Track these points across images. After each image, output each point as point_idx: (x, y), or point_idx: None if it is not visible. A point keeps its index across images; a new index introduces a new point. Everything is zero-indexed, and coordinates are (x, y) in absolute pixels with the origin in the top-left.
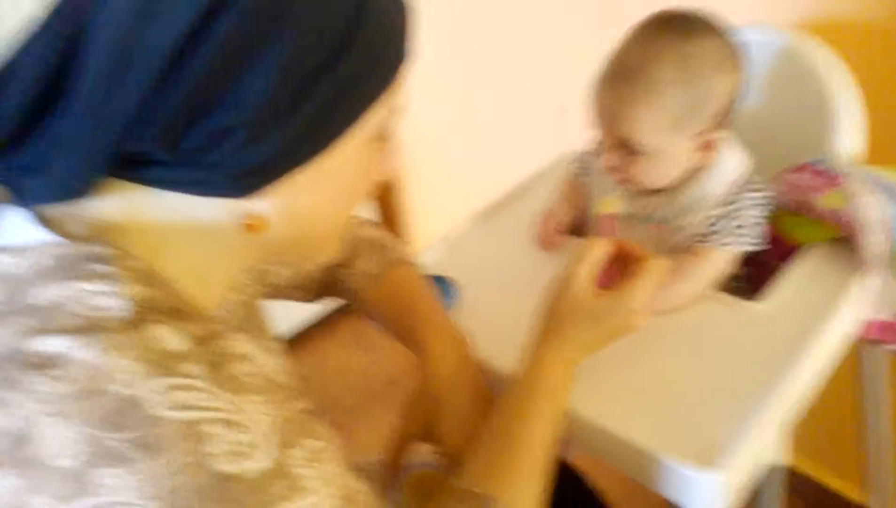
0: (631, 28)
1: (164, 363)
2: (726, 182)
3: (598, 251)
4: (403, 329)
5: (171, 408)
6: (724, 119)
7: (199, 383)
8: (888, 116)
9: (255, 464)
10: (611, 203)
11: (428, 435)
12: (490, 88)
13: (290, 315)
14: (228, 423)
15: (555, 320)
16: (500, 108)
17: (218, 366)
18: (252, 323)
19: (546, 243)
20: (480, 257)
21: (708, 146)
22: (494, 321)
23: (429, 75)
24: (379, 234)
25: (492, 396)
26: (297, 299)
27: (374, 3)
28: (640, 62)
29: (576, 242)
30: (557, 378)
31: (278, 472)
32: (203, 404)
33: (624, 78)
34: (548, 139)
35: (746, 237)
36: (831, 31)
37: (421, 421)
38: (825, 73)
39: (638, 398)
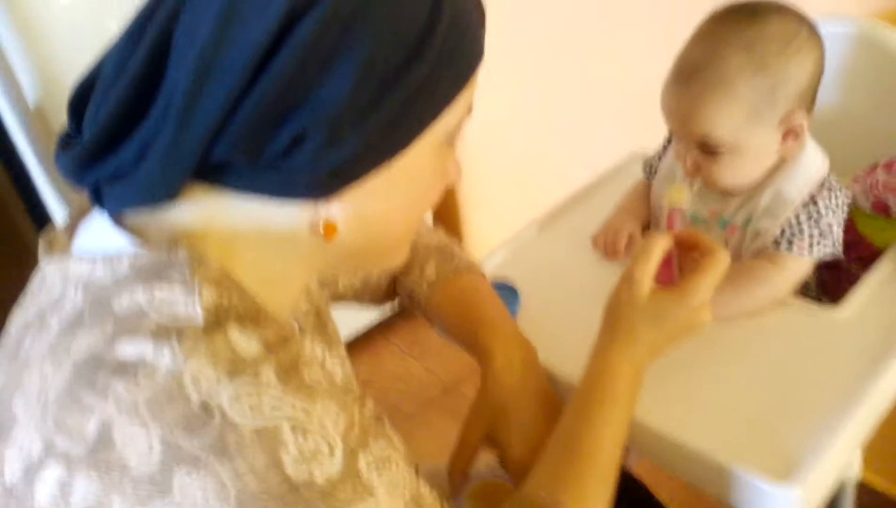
0: (698, 25)
1: (238, 369)
2: (806, 183)
3: (657, 249)
4: (468, 337)
5: (244, 414)
6: (806, 102)
7: (271, 388)
8: None
9: (325, 469)
10: (679, 193)
11: (493, 444)
12: (551, 89)
13: (347, 319)
14: (300, 428)
15: (618, 322)
16: (562, 109)
17: (290, 371)
18: (322, 330)
19: (614, 256)
20: (544, 263)
21: (792, 134)
22: (558, 327)
23: (488, 74)
24: (445, 240)
25: (558, 405)
26: (364, 304)
27: (449, 3)
28: (705, 56)
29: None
30: (624, 383)
31: (347, 477)
32: (275, 409)
33: (691, 75)
34: (611, 141)
35: (826, 243)
36: None
37: (485, 430)
38: None
39: (711, 408)
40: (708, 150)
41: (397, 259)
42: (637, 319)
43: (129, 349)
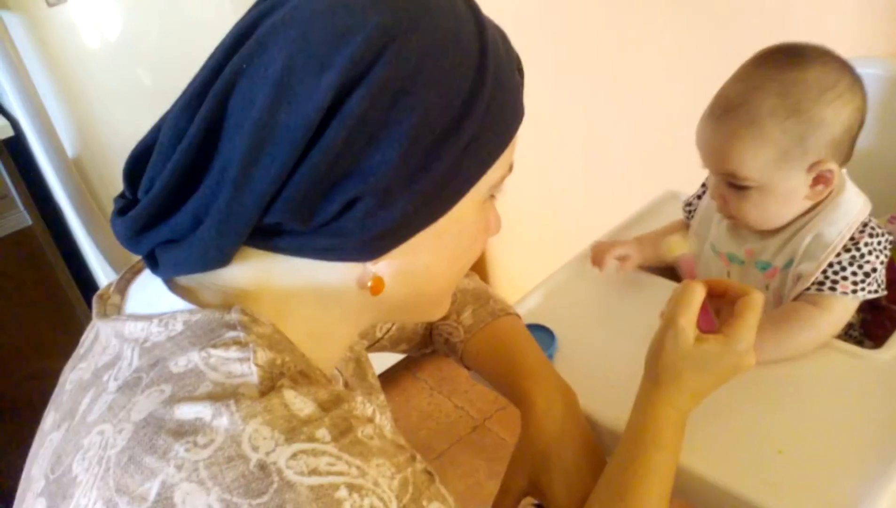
0: (743, 64)
1: (294, 429)
2: (847, 225)
3: (697, 296)
4: (507, 383)
5: (300, 473)
6: (842, 150)
7: (327, 447)
8: None
9: None
10: (676, 245)
11: (536, 492)
12: (579, 130)
13: (375, 355)
14: (356, 487)
15: (664, 370)
16: (590, 150)
17: (344, 430)
18: (362, 379)
19: (597, 259)
20: (579, 304)
21: (822, 180)
22: (596, 369)
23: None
24: (481, 285)
25: (601, 450)
26: (401, 352)
27: (492, 67)
28: (741, 95)
29: (670, 286)
30: (670, 430)
31: None
32: (331, 468)
33: (725, 112)
34: (638, 182)
35: (870, 284)
36: None
37: (528, 477)
38: None
39: (752, 451)
40: (735, 185)
41: (440, 311)
42: (683, 366)
43: (188, 410)
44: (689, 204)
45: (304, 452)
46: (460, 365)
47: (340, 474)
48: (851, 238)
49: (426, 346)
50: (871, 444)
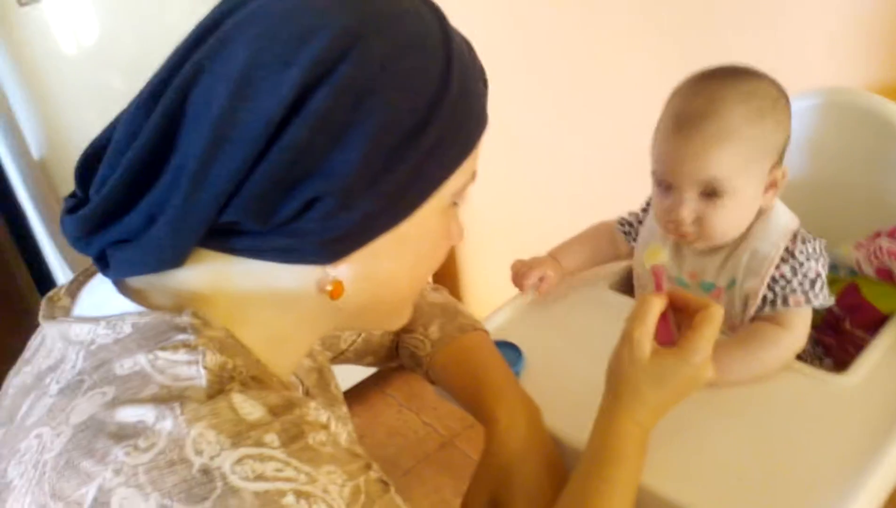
0: (680, 85)
1: (241, 433)
2: (780, 237)
3: (653, 309)
4: (471, 398)
5: (246, 479)
6: (782, 158)
7: (275, 452)
8: None
9: None
10: (656, 253)
11: None
12: (549, 149)
13: (343, 371)
14: (303, 494)
15: (622, 384)
16: (559, 169)
17: (294, 436)
18: (324, 389)
19: (516, 282)
20: (546, 322)
21: (773, 185)
22: (562, 387)
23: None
24: (450, 300)
25: (564, 468)
26: (366, 365)
27: (458, 73)
28: (708, 106)
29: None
30: (632, 445)
31: None
32: (278, 474)
33: (697, 123)
34: (607, 200)
35: (818, 290)
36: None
37: (490, 494)
38: None
39: (716, 475)
40: (711, 194)
41: (401, 319)
42: (641, 379)
43: (131, 413)
44: (630, 224)
45: (250, 457)
46: (425, 380)
47: (288, 480)
48: (787, 249)
49: (392, 359)
50: (833, 469)
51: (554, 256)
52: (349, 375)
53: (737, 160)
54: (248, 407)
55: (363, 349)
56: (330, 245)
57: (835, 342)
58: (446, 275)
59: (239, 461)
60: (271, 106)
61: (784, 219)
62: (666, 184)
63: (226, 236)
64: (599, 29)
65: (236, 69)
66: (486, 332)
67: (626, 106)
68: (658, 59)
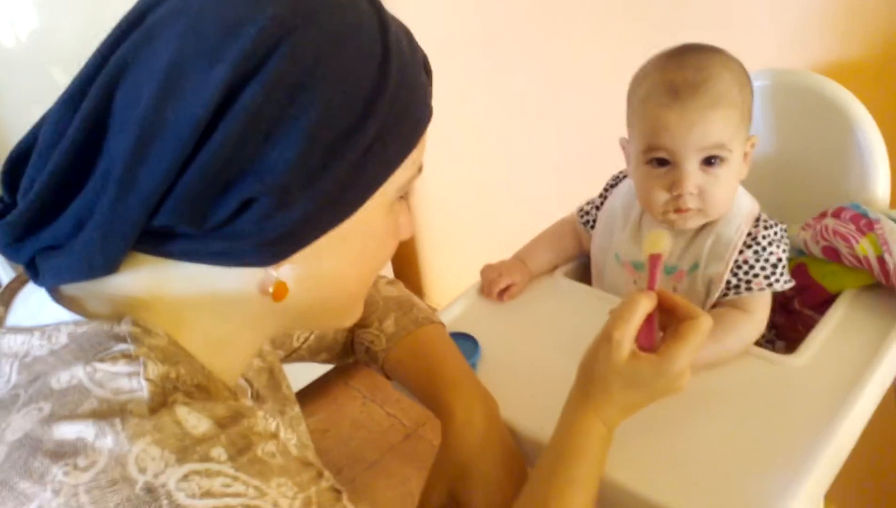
0: (650, 63)
1: (186, 448)
2: (743, 221)
3: (639, 311)
4: (428, 392)
5: (192, 496)
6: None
7: (222, 467)
8: None
9: None
10: (658, 241)
11: (455, 504)
12: (504, 139)
13: (305, 364)
14: None
15: (593, 382)
16: (515, 163)
17: (242, 448)
18: (275, 390)
19: (486, 291)
20: (502, 313)
21: (747, 155)
22: (518, 378)
23: (446, 130)
24: (405, 293)
25: (522, 460)
26: (321, 362)
27: (396, 64)
28: (697, 74)
29: (592, 293)
30: (596, 443)
31: None
32: (226, 490)
33: (692, 90)
34: (564, 193)
35: (779, 274)
36: (844, 74)
37: (447, 489)
38: (855, 116)
39: (671, 460)
40: (711, 162)
41: (351, 317)
42: (613, 380)
43: (69, 430)
44: (587, 212)
45: (196, 473)
46: (381, 374)
47: (237, 495)
48: (750, 234)
49: (347, 355)
50: (784, 447)
51: (521, 258)
52: (311, 369)
53: (732, 123)
54: (194, 420)
55: (317, 346)
56: (269, 247)
57: (785, 321)
58: (407, 266)
59: (185, 477)
60: (199, 104)
61: (746, 202)
62: (662, 159)
63: (160, 240)
64: (563, 24)
65: (161, 66)
66: (441, 325)
67: (590, 100)
68: (622, 47)
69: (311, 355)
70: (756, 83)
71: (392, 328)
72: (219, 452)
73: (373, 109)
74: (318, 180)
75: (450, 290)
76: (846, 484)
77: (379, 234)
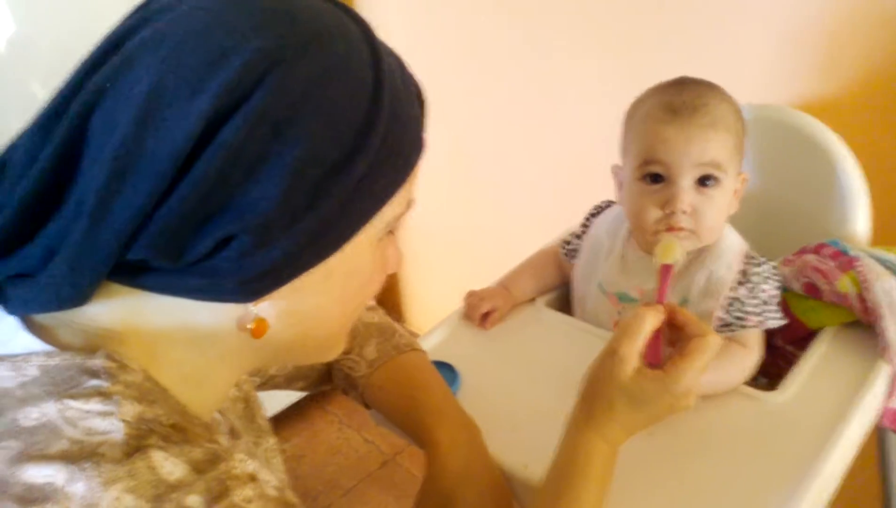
0: (648, 92)
1: (161, 496)
2: (734, 258)
3: (646, 326)
4: (410, 419)
5: None
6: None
7: None
8: (888, 195)
9: None
10: (670, 249)
11: None
12: (487, 163)
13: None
14: None
15: (597, 399)
16: (502, 184)
17: (219, 496)
18: (249, 420)
19: (469, 316)
20: (482, 341)
21: (738, 191)
22: (496, 407)
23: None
24: (386, 320)
25: (508, 490)
26: (298, 390)
27: (388, 97)
28: (696, 99)
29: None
30: (600, 462)
31: None
32: None
33: (690, 111)
34: (557, 216)
35: (771, 310)
36: (824, 110)
37: None
38: (835, 153)
39: (653, 497)
40: (706, 182)
41: (334, 352)
42: (617, 398)
43: (38, 473)
44: (568, 243)
45: None
46: (359, 402)
47: None
48: (741, 271)
49: (325, 383)
50: (768, 485)
51: (505, 285)
52: (288, 393)
53: (728, 148)
54: (170, 466)
55: (294, 374)
56: (248, 284)
57: (766, 356)
58: (387, 290)
59: None
60: (178, 137)
61: (734, 239)
62: (657, 175)
63: (135, 273)
64: (548, 46)
65: (140, 94)
66: (423, 352)
67: (575, 125)
68: (604, 78)
69: (288, 382)
70: None
71: (373, 353)
72: (194, 500)
73: (363, 145)
74: (301, 219)
75: (430, 315)
76: None
77: (365, 270)
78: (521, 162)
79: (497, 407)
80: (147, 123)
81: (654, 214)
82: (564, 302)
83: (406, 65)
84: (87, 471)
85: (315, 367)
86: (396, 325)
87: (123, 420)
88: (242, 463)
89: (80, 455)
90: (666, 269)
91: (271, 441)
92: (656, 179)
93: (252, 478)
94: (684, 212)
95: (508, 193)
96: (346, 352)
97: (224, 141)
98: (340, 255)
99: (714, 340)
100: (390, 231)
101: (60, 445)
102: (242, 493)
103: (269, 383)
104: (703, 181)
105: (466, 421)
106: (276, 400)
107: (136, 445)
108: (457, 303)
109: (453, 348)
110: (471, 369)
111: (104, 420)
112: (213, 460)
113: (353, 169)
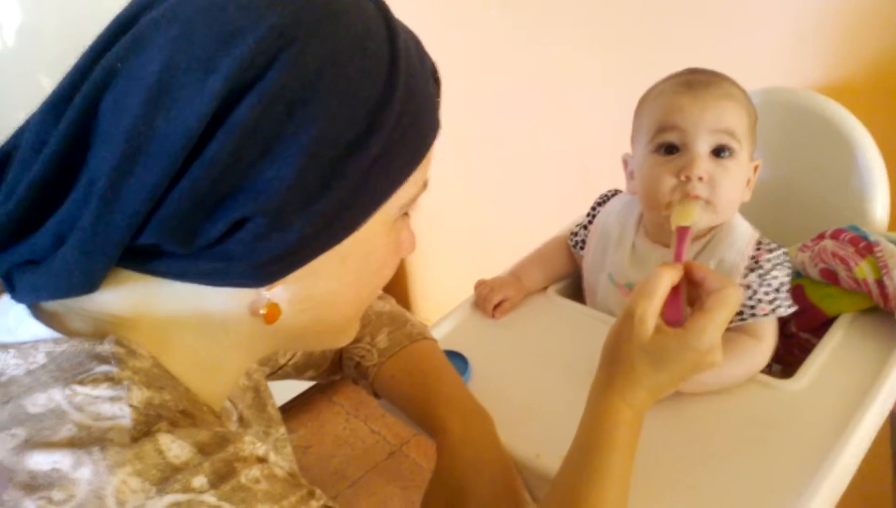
0: (661, 81)
1: (167, 478)
2: (746, 245)
3: (662, 284)
4: (421, 408)
5: None
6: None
7: (204, 497)
8: None
9: None
10: (687, 213)
11: None
12: (494, 153)
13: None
14: None
15: (618, 363)
16: (508, 175)
17: (225, 476)
18: (260, 410)
19: (481, 306)
20: (493, 330)
21: (751, 178)
22: (507, 397)
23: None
24: (398, 309)
25: (520, 479)
26: (308, 379)
27: (404, 76)
28: (711, 77)
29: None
30: (624, 429)
31: None
32: None
33: (705, 85)
34: (563, 204)
35: (782, 298)
36: (843, 94)
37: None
38: (856, 138)
39: (668, 487)
40: (721, 151)
41: (346, 338)
42: (638, 360)
43: (44, 460)
44: (576, 234)
45: (177, 504)
46: (369, 392)
47: None
48: (752, 257)
49: (335, 372)
50: (783, 476)
51: (516, 274)
52: (295, 384)
53: (743, 121)
54: (176, 449)
55: (304, 363)
56: (262, 268)
57: (781, 345)
58: (395, 283)
59: (165, 507)
60: (191, 117)
61: (745, 227)
62: (672, 145)
63: (146, 258)
64: (557, 39)
65: (152, 74)
66: (435, 341)
67: (581, 115)
68: (610, 70)
69: (298, 372)
70: (755, 101)
71: (385, 342)
72: (200, 481)
73: (378, 125)
74: (316, 200)
75: (438, 306)
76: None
77: (381, 253)
78: (528, 154)
79: (508, 396)
80: (159, 104)
81: (669, 182)
82: (576, 290)
83: (421, 43)
84: (94, 455)
85: (326, 356)
86: (408, 314)
87: (132, 406)
88: (251, 445)
89: (88, 440)
90: (682, 231)
91: (281, 431)
92: (671, 149)
93: (260, 460)
94: (700, 179)
95: (515, 184)
96: (357, 340)
97: (237, 121)
98: (355, 237)
99: (735, 292)
100: (405, 213)
101: (67, 431)
102: (250, 473)
103: (279, 372)
104: (719, 152)
105: (478, 410)
106: (283, 391)
107: (144, 430)
108: (465, 294)
109: (464, 337)
110: (482, 358)
111: (113, 405)
112: (221, 442)
113: (368, 149)
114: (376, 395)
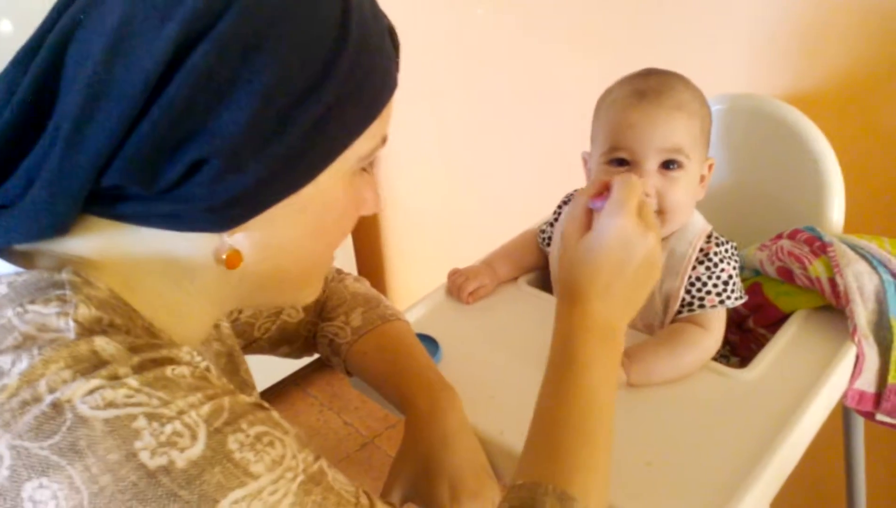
0: (617, 82)
1: (95, 366)
2: (695, 237)
3: (579, 202)
4: (391, 384)
5: (95, 407)
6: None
7: (127, 381)
8: (861, 185)
9: (186, 453)
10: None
11: (418, 498)
12: (475, 145)
13: (263, 369)
14: (156, 416)
15: (565, 285)
16: (482, 170)
17: (149, 368)
18: (234, 374)
19: (459, 297)
20: (463, 316)
21: (704, 178)
22: (477, 381)
23: (414, 128)
24: (373, 291)
25: (485, 456)
26: (281, 355)
27: (357, 28)
28: (661, 84)
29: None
30: (593, 343)
31: (216, 460)
32: (129, 400)
33: (655, 95)
34: (532, 198)
35: (732, 292)
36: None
37: (410, 483)
38: (815, 145)
39: (624, 467)
40: (670, 166)
41: (310, 294)
42: (576, 271)
43: None
44: (543, 231)
45: (101, 387)
46: (341, 370)
47: (139, 405)
48: (702, 250)
49: (309, 350)
50: (734, 456)
51: (489, 264)
52: (269, 374)
53: (692, 132)
54: (104, 344)
55: (278, 337)
56: (220, 211)
57: (738, 339)
58: (370, 268)
59: (90, 391)
60: (148, 62)
61: (698, 220)
62: (622, 160)
63: (111, 202)
64: (537, 34)
65: (112, 24)
66: (407, 322)
67: (555, 112)
68: (584, 70)
69: (272, 346)
70: (717, 107)
71: (358, 321)
72: (125, 370)
73: (331, 72)
74: (271, 144)
75: (414, 295)
76: (790, 495)
77: (339, 206)
78: (508, 148)
79: (476, 377)
80: (118, 51)
81: None
82: (546, 281)
83: (376, 2)
84: (32, 352)
85: (300, 333)
86: (382, 297)
87: (76, 321)
88: (189, 355)
89: (29, 343)
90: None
91: (255, 395)
92: (622, 163)
93: (189, 363)
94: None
95: (490, 177)
96: (332, 319)
97: (193, 66)
98: (313, 187)
99: (626, 176)
100: (364, 169)
101: (13, 339)
102: (177, 370)
103: (253, 345)
104: (667, 165)
105: (446, 388)
106: (258, 381)
107: (79, 337)
108: (439, 280)
109: (435, 322)
110: (452, 341)
111: (58, 320)
112: (151, 346)
113: (322, 96)
114: (348, 373)
